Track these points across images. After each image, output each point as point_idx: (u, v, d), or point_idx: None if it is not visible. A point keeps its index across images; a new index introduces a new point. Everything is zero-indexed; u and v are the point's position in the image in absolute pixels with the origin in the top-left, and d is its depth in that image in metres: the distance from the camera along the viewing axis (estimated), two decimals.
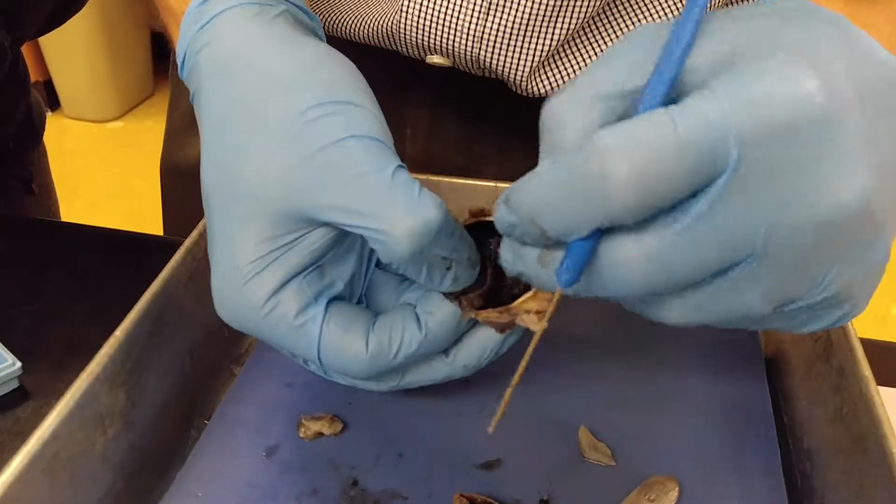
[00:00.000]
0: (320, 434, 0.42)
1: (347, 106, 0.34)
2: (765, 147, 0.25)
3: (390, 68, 0.57)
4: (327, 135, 0.33)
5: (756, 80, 0.25)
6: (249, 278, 0.34)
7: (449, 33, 0.49)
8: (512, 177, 0.59)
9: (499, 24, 0.49)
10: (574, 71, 0.52)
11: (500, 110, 0.59)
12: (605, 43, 0.51)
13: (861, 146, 0.25)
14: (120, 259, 0.60)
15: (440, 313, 0.36)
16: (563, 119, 0.27)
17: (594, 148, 0.25)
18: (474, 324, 0.37)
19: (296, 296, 0.35)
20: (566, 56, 0.51)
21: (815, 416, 0.42)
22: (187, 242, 0.45)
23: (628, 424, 0.43)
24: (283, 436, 0.42)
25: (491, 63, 0.50)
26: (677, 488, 0.40)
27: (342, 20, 0.54)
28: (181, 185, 0.73)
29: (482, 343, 0.38)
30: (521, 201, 0.28)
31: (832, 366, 0.41)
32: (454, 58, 0.51)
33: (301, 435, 0.42)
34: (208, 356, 0.47)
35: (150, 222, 0.91)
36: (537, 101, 0.55)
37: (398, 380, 0.38)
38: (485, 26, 0.49)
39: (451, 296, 0.36)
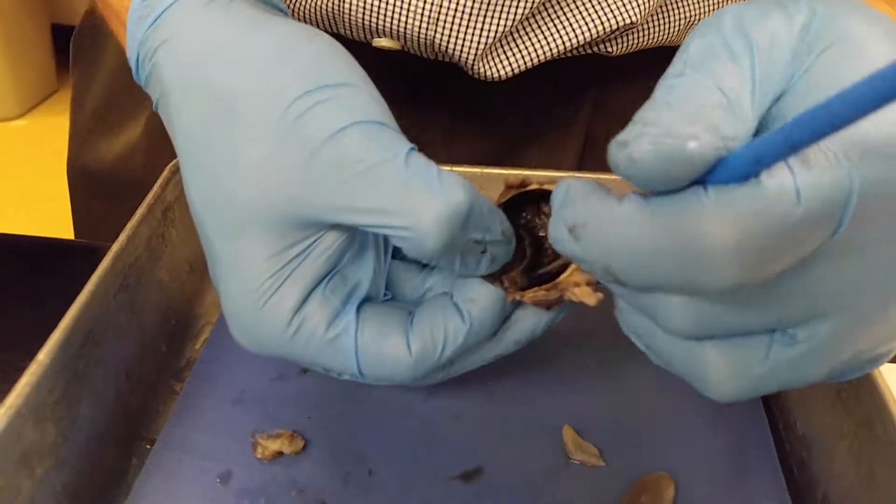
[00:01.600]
0: (279, 454, 0.38)
1: (339, 89, 0.30)
2: (879, 201, 0.22)
3: None
4: (323, 127, 0.29)
5: (881, 139, 0.22)
6: (267, 298, 0.31)
7: (400, 14, 0.45)
8: (460, 163, 0.56)
9: (456, 4, 0.45)
10: (527, 54, 0.48)
11: (447, 96, 0.56)
12: (561, 25, 0.48)
13: None
14: (34, 270, 0.54)
15: (483, 299, 0.32)
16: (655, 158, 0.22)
17: (699, 208, 0.22)
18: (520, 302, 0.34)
19: (322, 308, 0.31)
20: (520, 38, 0.48)
21: (808, 399, 0.40)
22: (115, 248, 0.40)
23: (614, 421, 0.40)
24: (237, 458, 0.38)
25: (444, 45, 0.46)
26: (673, 486, 0.37)
27: None
28: (93, 187, 0.68)
29: (535, 319, 0.34)
30: (594, 241, 0.24)
31: None
32: (404, 40, 0.47)
33: (258, 456, 0.38)
34: (146, 374, 0.42)
35: (62, 226, 0.86)
36: (485, 85, 0.52)
37: (445, 370, 0.34)
38: (440, 6, 0.45)
39: (490, 277, 0.33)
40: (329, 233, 0.31)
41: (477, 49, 0.46)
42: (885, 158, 0.22)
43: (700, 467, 0.38)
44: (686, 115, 0.22)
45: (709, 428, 0.40)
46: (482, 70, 0.48)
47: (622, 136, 0.22)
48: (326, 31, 0.49)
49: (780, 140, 0.21)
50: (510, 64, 0.48)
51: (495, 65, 0.48)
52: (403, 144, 0.30)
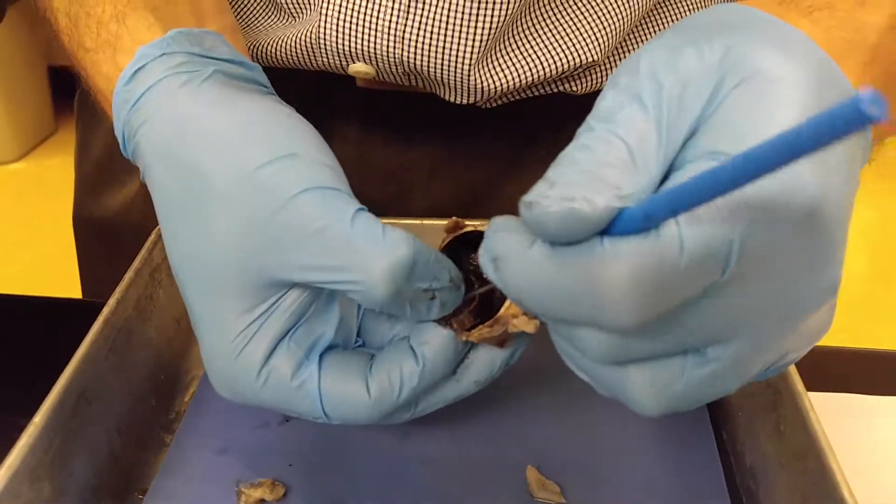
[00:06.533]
0: (262, 501, 0.41)
1: (293, 160, 0.34)
2: (764, 246, 0.25)
3: (310, 100, 0.56)
4: (280, 193, 0.33)
5: (763, 199, 0.25)
6: (238, 352, 0.34)
7: (369, 35, 0.48)
8: (440, 203, 0.58)
9: (420, 21, 0.47)
10: (521, 60, 0.50)
11: (426, 136, 0.58)
12: (554, 27, 0.50)
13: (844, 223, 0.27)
14: (32, 329, 0.57)
15: (434, 341, 0.36)
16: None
17: (595, 257, 0.25)
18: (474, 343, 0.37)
19: (287, 359, 0.35)
20: (511, 44, 0.50)
21: (753, 430, 0.42)
22: (105, 312, 0.43)
23: (573, 459, 0.43)
24: None
25: (418, 64, 0.49)
26: None
27: (258, 45, 0.53)
28: (99, 239, 0.70)
29: (490, 358, 0.37)
30: (510, 277, 0.27)
31: (767, 381, 0.42)
32: (377, 63, 0.50)
33: None
34: (137, 428, 0.45)
35: (64, 272, 0.86)
36: (464, 121, 0.55)
37: (411, 410, 0.37)
38: (405, 24, 0.47)
39: (442, 321, 0.36)
40: (292, 290, 0.35)
41: (461, 63, 0.49)
42: (764, 212, 0.25)
43: (655, 499, 0.41)
44: (588, 173, 0.26)
45: (663, 460, 0.43)
46: (471, 81, 0.50)
47: (529, 197, 0.26)
48: (307, 68, 0.52)
49: (664, 203, 0.24)
50: (500, 74, 0.50)
51: (484, 75, 0.50)
52: (351, 206, 0.33)
